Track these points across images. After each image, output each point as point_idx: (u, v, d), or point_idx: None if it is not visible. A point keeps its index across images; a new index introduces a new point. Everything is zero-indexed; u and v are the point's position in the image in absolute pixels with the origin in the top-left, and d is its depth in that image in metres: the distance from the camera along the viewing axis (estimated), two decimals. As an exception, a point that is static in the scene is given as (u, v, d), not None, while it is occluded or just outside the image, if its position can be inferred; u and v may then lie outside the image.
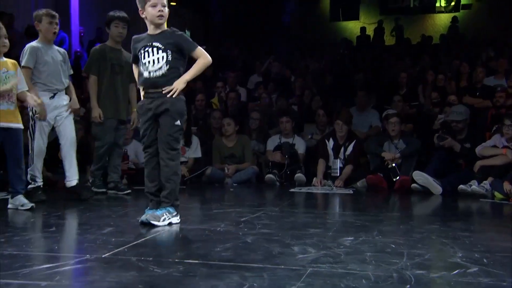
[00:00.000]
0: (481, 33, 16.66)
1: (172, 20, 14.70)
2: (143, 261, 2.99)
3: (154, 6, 3.70)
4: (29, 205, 4.62)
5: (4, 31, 4.53)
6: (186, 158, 6.96)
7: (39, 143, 5.06)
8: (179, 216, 4.03)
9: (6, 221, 4.38)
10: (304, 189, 6.49)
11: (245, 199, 6.30)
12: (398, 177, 6.46)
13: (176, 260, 3.01)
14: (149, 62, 3.84)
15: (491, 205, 5.71)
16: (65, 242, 3.56)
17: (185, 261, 2.99)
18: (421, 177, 6.23)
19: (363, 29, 17.58)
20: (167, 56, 3.83)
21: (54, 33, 5.16)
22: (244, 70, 12.51)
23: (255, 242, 3.52)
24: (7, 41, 4.55)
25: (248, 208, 5.22)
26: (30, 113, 5.00)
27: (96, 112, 5.60)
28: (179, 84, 3.83)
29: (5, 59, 4.57)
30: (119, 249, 3.27)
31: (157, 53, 3.84)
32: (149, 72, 3.84)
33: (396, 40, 17.27)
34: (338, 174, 6.77)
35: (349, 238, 3.66)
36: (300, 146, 7.29)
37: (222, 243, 3.48)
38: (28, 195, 4.83)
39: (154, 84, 3.85)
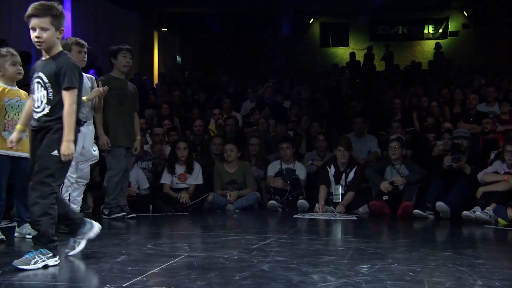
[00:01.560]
0: (468, 60, 16.92)
1: (162, 46, 14.87)
2: (165, 291, 2.98)
3: (32, 30, 3.41)
4: (34, 233, 4.56)
5: (19, 58, 4.51)
6: (188, 184, 6.94)
7: None
8: (57, 257, 3.53)
9: (16, 250, 4.33)
10: (307, 215, 6.48)
11: (251, 225, 6.25)
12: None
13: (198, 290, 3.01)
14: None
15: (495, 231, 5.72)
16: (82, 271, 3.51)
17: (207, 291, 2.99)
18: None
19: (352, 55, 17.72)
20: (47, 94, 3.47)
21: (83, 61, 5.13)
22: (235, 96, 12.50)
23: (272, 271, 3.51)
24: (21, 68, 4.54)
25: (256, 235, 5.19)
26: None
27: (104, 140, 5.59)
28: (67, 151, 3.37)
29: (17, 88, 4.56)
30: (137, 279, 3.25)
31: (39, 90, 3.50)
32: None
33: (386, 66, 17.41)
34: (340, 200, 6.76)
35: (366, 266, 3.65)
36: (301, 172, 7.27)
37: (239, 272, 3.46)
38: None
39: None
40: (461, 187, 6.41)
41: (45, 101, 3.43)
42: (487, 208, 6.03)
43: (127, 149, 5.87)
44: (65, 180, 4.91)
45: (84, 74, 5.28)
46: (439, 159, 6.95)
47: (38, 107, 3.47)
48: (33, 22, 3.35)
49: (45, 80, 3.44)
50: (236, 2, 16.20)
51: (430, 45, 18.73)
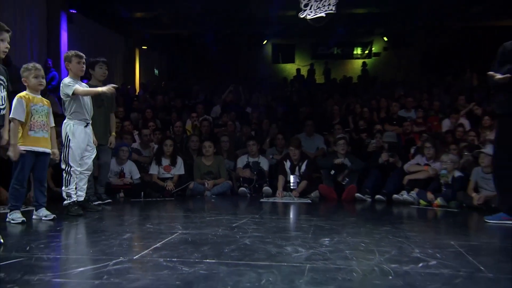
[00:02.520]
0: (388, 75, 17.28)
1: (142, 60, 14.60)
2: (169, 262, 2.94)
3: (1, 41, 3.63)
4: (51, 216, 4.47)
5: (42, 72, 4.41)
6: (172, 174, 6.89)
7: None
8: None
9: (35, 230, 4.22)
10: (271, 199, 6.49)
11: (227, 208, 6.17)
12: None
13: (197, 260, 2.98)
14: None
15: (418, 210, 5.84)
16: (96, 246, 3.41)
17: (204, 260, 2.96)
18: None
19: (298, 70, 17.82)
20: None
21: (82, 70, 5.03)
22: (205, 102, 12.43)
23: (253, 244, 3.51)
24: (44, 80, 4.45)
25: (233, 215, 5.16)
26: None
27: (93, 138, 5.45)
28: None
29: (40, 96, 4.49)
30: (145, 252, 3.23)
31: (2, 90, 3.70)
32: None
33: (325, 79, 17.56)
34: (296, 187, 6.82)
35: (327, 239, 3.68)
36: (264, 164, 7.31)
37: (226, 245, 3.45)
38: (66, 209, 4.73)
39: None
40: (395, 178, 6.53)
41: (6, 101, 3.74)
42: (412, 192, 6.21)
43: (103, 145, 5.74)
44: (72, 174, 4.85)
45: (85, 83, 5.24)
46: (373, 154, 7.11)
47: (2, 104, 3.66)
48: (4, 35, 3.61)
49: (6, 83, 3.70)
50: (204, 26, 16.09)
51: (358, 63, 18.98)
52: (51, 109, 4.58)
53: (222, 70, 16.83)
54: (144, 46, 18.25)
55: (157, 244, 3.46)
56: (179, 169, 6.94)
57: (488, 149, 5.65)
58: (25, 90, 4.39)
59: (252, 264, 2.88)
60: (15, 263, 2.88)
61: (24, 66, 4.40)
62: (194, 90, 13.90)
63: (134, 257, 3.07)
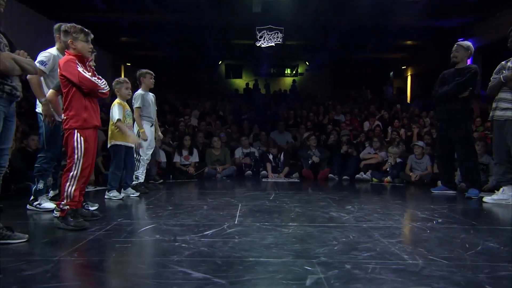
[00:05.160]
0: (311, 89, 17.86)
1: (127, 75, 14.07)
2: (264, 225, 3.02)
3: None
4: (137, 193, 4.37)
5: (130, 85, 4.24)
6: (190, 162, 6.81)
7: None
8: None
9: (124, 204, 4.09)
10: (269, 180, 6.48)
11: (248, 187, 5.75)
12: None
13: (283, 223, 3.10)
14: None
15: (372, 185, 6.07)
16: (197, 215, 3.38)
17: (289, 224, 3.08)
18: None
19: (247, 84, 17.95)
20: None
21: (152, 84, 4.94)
22: (184, 107, 12.17)
23: (305, 212, 3.60)
24: (131, 91, 4.31)
25: (261, 192, 5.07)
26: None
27: None
28: None
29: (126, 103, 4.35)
30: (238, 219, 3.23)
31: None
32: None
33: (266, 91, 17.81)
34: (281, 171, 6.90)
35: (349, 207, 3.87)
36: (256, 154, 7.33)
37: (287, 213, 3.55)
38: (134, 188, 4.60)
39: None
40: (353, 163, 6.80)
41: None
42: (367, 173, 6.55)
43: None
44: (141, 161, 4.74)
45: (150, 93, 5.09)
46: (333, 146, 7.38)
47: None
48: None
49: None
50: (175, 50, 15.79)
51: (289, 80, 19.43)
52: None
53: (193, 84, 16.61)
54: (128, 63, 17.52)
55: (238, 213, 3.50)
56: (195, 157, 6.85)
57: (420, 142, 6.17)
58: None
59: (325, 226, 3.02)
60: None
61: (116, 79, 4.24)
62: (169, 99, 13.56)
63: (235, 223, 3.12)
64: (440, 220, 3.26)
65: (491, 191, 4.80)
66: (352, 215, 3.43)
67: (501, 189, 4.18)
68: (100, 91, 2.98)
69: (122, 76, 17.24)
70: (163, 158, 6.62)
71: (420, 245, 2.48)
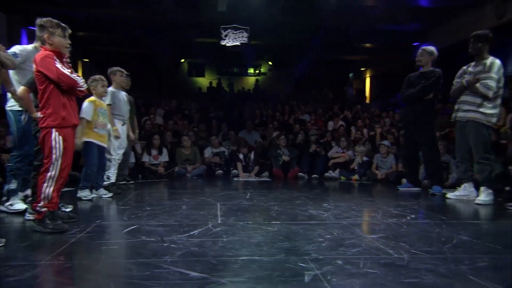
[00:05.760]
0: (274, 89, 18.01)
1: (85, 71, 13.60)
2: (248, 224, 3.04)
3: None
4: (110, 194, 4.24)
5: (106, 82, 4.11)
6: (159, 162, 6.67)
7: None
8: None
9: (95, 205, 3.96)
10: (240, 179, 6.46)
11: (221, 186, 5.72)
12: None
13: (266, 222, 3.13)
14: None
15: (340, 183, 6.19)
16: (179, 214, 3.35)
17: (272, 222, 3.13)
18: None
19: (210, 83, 17.83)
20: None
21: (124, 82, 4.78)
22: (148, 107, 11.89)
23: (285, 210, 3.63)
24: (107, 89, 4.16)
25: (236, 191, 5.09)
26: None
27: None
28: None
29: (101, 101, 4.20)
30: (221, 218, 3.22)
31: None
32: None
33: (229, 90, 17.77)
34: (251, 170, 6.91)
35: (325, 204, 3.98)
36: (226, 153, 7.31)
37: (267, 211, 3.58)
38: (106, 188, 4.42)
39: None
40: (322, 162, 6.93)
41: None
42: (335, 171, 6.72)
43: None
44: (113, 161, 4.61)
45: (123, 92, 4.96)
46: (301, 145, 7.50)
47: None
48: None
49: None
50: (138, 46, 15.40)
51: (252, 79, 19.53)
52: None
53: (156, 81, 16.24)
54: (85, 59, 16.84)
55: (219, 213, 3.49)
56: (165, 157, 6.72)
57: (386, 142, 6.42)
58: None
59: (308, 224, 3.09)
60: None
61: (92, 77, 4.08)
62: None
63: (219, 222, 3.12)
64: (413, 216, 3.42)
65: (452, 187, 5.09)
66: (330, 213, 3.52)
67: (463, 185, 4.45)
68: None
69: (80, 72, 16.58)
70: (131, 158, 6.43)
71: (401, 240, 2.60)
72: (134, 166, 6.45)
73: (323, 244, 2.48)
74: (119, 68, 4.76)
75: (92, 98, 4.01)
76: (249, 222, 3.10)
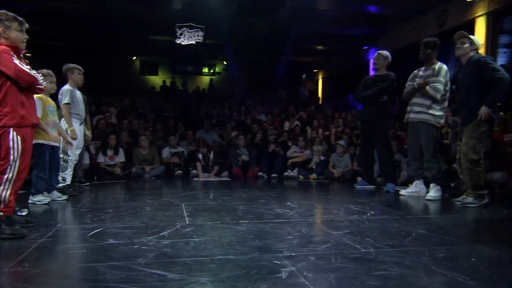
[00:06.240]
0: (228, 88, 18.00)
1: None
2: (222, 224, 3.05)
3: None
4: (65, 197, 4.04)
5: (55, 78, 3.90)
6: (115, 162, 6.45)
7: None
8: None
9: (49, 208, 3.77)
10: (200, 179, 6.41)
11: (184, 186, 5.62)
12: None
13: (234, 221, 3.16)
14: None
15: (299, 182, 6.35)
16: (150, 217, 3.28)
17: (240, 221, 3.16)
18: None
19: (164, 82, 17.45)
20: None
21: (81, 80, 4.56)
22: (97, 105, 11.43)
23: (250, 209, 3.67)
24: (56, 86, 3.96)
25: (198, 191, 5.09)
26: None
27: None
28: None
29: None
30: (190, 219, 3.21)
31: None
32: None
33: (183, 89, 17.50)
34: (211, 170, 6.87)
35: (288, 203, 4.08)
36: (184, 153, 7.20)
37: (233, 211, 3.59)
38: (60, 191, 4.21)
39: None
40: (281, 161, 7.02)
41: None
42: (294, 170, 6.84)
43: None
44: (69, 162, 4.41)
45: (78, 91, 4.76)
46: (260, 145, 7.55)
47: None
48: None
49: None
50: (87, 41, 14.77)
51: (207, 79, 19.35)
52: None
53: (106, 79, 15.64)
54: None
55: (185, 213, 3.46)
56: (121, 157, 6.52)
57: (342, 142, 6.66)
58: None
59: (275, 222, 3.15)
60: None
61: (39, 71, 3.86)
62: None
63: (187, 223, 3.10)
64: (372, 212, 3.60)
65: (403, 184, 5.39)
66: (295, 211, 3.61)
67: (414, 182, 4.74)
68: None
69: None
70: (85, 159, 6.17)
71: (365, 235, 2.73)
72: (88, 167, 6.19)
73: (294, 242, 2.55)
74: (76, 66, 4.56)
75: (39, 95, 3.81)
76: (218, 222, 3.11)
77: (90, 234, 2.71)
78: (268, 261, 2.15)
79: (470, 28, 9.35)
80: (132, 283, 1.80)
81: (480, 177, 3.94)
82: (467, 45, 4.06)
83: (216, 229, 2.86)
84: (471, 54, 4.07)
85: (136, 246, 2.39)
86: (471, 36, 4.11)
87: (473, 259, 2.24)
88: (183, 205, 3.83)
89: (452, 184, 5.23)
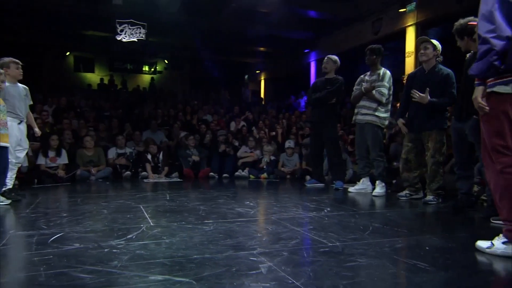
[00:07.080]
0: (169, 88, 17.64)
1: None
2: (181, 225, 3.07)
3: None
4: (7, 201, 3.79)
5: (3, 77, 3.62)
6: (57, 164, 6.09)
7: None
8: None
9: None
10: (150, 180, 6.29)
11: (136, 188, 5.45)
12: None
13: (199, 222, 3.20)
14: None
15: (250, 181, 6.46)
16: (111, 220, 3.16)
17: (205, 221, 3.20)
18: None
19: (101, 79, 16.66)
20: None
21: (20, 74, 4.22)
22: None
23: (211, 209, 3.70)
24: (3, 84, 3.66)
25: (153, 193, 4.99)
26: None
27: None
28: None
29: None
30: (154, 220, 3.17)
31: None
32: None
33: (123, 88, 16.85)
34: (161, 171, 6.76)
35: (247, 202, 4.16)
36: (133, 154, 7.00)
37: (195, 212, 3.61)
38: (2, 195, 3.92)
39: None
40: (231, 161, 7.08)
41: None
42: (245, 170, 6.94)
43: None
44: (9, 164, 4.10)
45: (20, 85, 4.44)
46: (209, 145, 7.54)
47: None
48: None
49: None
50: (14, 34, 13.70)
51: (147, 77, 18.82)
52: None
53: (28, 76, 14.56)
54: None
55: (147, 215, 3.41)
56: (63, 159, 6.18)
57: (291, 142, 6.88)
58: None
59: (240, 221, 3.22)
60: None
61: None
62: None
63: (151, 225, 3.06)
64: (328, 209, 3.80)
65: (350, 182, 5.72)
66: (256, 210, 3.70)
67: (361, 180, 5.05)
68: None
69: None
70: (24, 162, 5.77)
71: (328, 230, 2.89)
72: (27, 169, 5.79)
73: (264, 239, 2.64)
74: (13, 59, 4.26)
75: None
76: (183, 223, 3.10)
77: (51, 239, 2.58)
78: (244, 258, 2.21)
79: (402, 36, 10.14)
80: (115, 286, 1.77)
81: (441, 178, 4.23)
82: (430, 50, 4.14)
83: (184, 230, 2.86)
84: (435, 62, 4.16)
85: (106, 250, 2.33)
86: (433, 41, 4.20)
87: (427, 248, 2.48)
88: (141, 207, 3.76)
89: (394, 181, 5.66)
